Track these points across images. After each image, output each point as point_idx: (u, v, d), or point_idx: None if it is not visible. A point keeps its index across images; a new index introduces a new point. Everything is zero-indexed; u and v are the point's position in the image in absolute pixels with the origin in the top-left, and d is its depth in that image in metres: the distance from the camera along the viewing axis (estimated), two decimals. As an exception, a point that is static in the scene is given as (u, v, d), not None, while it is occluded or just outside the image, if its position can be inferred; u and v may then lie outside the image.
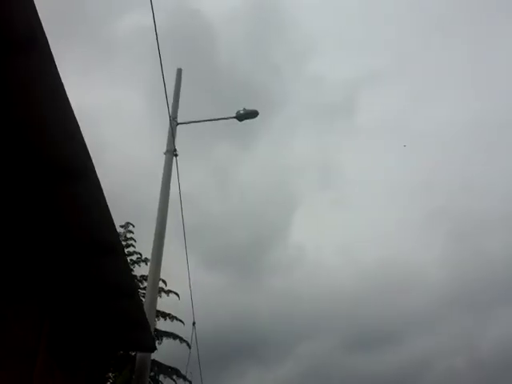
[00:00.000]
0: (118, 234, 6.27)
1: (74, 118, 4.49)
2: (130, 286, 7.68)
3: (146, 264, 23.14)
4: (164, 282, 23.73)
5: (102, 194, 5.35)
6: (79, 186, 5.26)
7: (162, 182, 12.33)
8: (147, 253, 23.12)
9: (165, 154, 12.76)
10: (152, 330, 10.33)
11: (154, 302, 10.98)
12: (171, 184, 12.40)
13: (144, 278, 21.85)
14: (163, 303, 24.22)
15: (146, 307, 9.97)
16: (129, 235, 24.56)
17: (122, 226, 23.64)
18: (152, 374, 22.50)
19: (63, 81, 4.20)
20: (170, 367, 24.52)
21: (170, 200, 12.23)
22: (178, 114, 13.39)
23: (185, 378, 24.07)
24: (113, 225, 5.88)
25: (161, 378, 24.68)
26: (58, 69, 4.10)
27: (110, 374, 20.66)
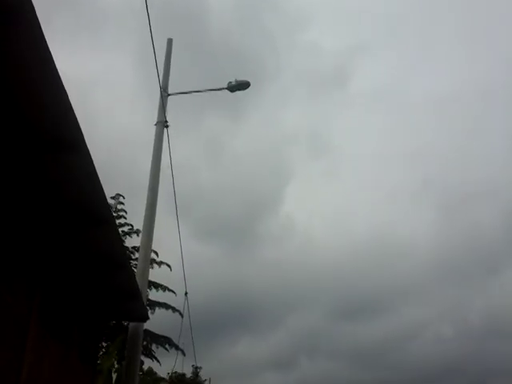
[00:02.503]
0: (109, 205, 6.28)
1: (63, 87, 4.45)
2: (122, 256, 7.74)
3: (138, 235, 23.24)
4: (156, 253, 23.86)
5: (93, 165, 5.34)
6: (70, 157, 5.24)
7: (153, 153, 12.30)
8: (138, 225, 23.23)
9: (155, 125, 12.69)
10: (144, 300, 10.44)
11: (145, 272, 11.07)
12: (162, 155, 12.39)
13: (136, 249, 21.93)
14: (155, 274, 24.42)
15: (137, 278, 10.05)
16: (119, 207, 24.56)
17: (112, 198, 23.61)
18: (145, 343, 22.80)
19: (52, 51, 4.15)
20: (162, 336, 24.84)
21: (161, 171, 12.23)
22: (169, 85, 13.30)
23: (177, 347, 24.43)
24: (104, 196, 5.89)
25: (153, 347, 25.02)
26: (47, 39, 4.06)
27: (103, 344, 20.90)
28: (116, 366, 20.03)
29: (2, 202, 5.57)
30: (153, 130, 12.68)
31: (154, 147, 12.36)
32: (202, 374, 45.36)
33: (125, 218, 24.66)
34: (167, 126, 12.77)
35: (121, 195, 24.66)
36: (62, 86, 4.36)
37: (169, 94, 13.14)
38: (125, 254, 8.02)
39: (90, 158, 5.26)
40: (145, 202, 11.73)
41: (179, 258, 16.25)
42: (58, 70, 4.23)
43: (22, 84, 4.41)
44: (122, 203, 24.77)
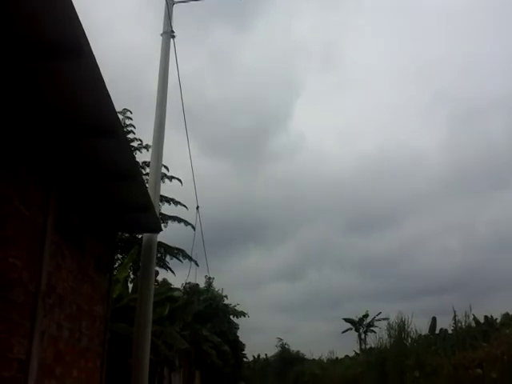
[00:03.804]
0: (117, 114, 6.19)
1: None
2: (133, 167, 7.73)
3: (147, 151, 23.27)
4: (166, 167, 24.00)
5: (99, 72, 5.19)
6: (73, 65, 5.09)
7: (160, 65, 12.04)
8: (147, 140, 23.19)
9: (161, 35, 12.34)
10: (157, 213, 10.58)
11: (157, 185, 11.17)
12: (170, 68, 12.13)
13: (146, 163, 22.03)
14: (167, 189, 24.70)
15: (149, 191, 10.12)
16: (128, 122, 24.43)
17: (119, 113, 23.40)
18: (159, 255, 23.47)
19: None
20: (176, 248, 25.52)
21: (168, 85, 12.01)
22: (175, -7, 12.77)
23: (190, 258, 25.14)
24: (112, 105, 5.77)
25: (167, 258, 25.78)
26: None
27: (119, 256, 21.54)
28: (132, 276, 20.74)
29: (11, 112, 5.51)
30: (159, 41, 12.35)
31: (161, 59, 12.08)
32: (215, 285, 47.10)
33: (133, 133, 24.61)
34: (174, 37, 12.41)
35: (128, 110, 24.48)
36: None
37: (175, 2, 12.66)
38: (136, 164, 8.01)
39: (96, 65, 5.10)
40: (153, 117, 11.62)
41: (189, 173, 16.35)
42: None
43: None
44: (130, 118, 24.62)
